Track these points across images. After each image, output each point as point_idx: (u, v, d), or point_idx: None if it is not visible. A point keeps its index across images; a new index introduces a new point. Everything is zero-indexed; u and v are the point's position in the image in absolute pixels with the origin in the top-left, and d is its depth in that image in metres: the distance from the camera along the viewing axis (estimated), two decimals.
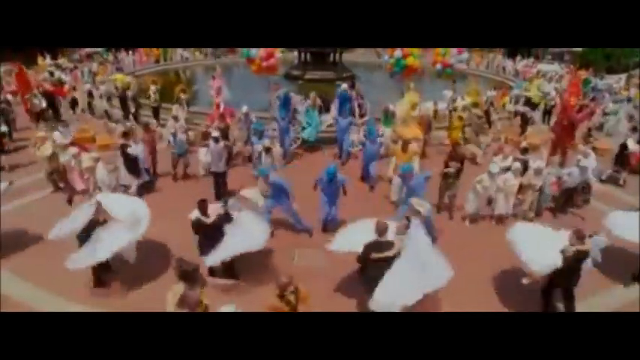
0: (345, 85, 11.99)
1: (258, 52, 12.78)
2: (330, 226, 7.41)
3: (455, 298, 5.58)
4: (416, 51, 13.85)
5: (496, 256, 6.50)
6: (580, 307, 5.48)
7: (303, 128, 11.58)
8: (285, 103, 11.17)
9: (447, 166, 8.17)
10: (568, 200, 8.59)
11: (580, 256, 5.11)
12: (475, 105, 11.93)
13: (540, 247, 5.38)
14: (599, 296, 6.07)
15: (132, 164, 8.75)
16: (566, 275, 5.24)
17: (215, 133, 8.83)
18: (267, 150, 8.55)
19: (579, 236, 5.13)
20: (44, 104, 13.17)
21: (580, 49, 23.84)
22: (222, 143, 8.60)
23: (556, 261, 5.16)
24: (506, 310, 5.79)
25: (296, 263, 6.65)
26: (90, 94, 14.96)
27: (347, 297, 5.90)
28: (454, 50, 14.47)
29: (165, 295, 4.22)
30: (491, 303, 5.92)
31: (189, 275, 4.24)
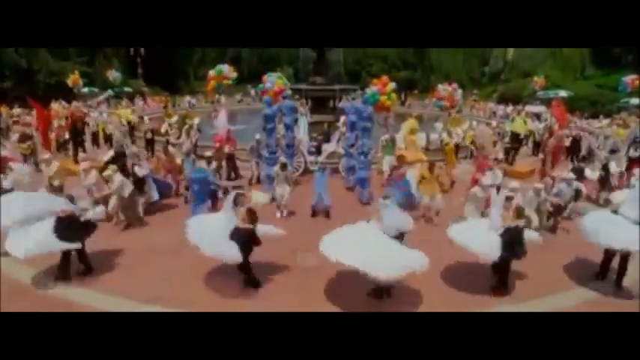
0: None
1: (272, 87, 14.61)
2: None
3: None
4: (393, 94, 15.74)
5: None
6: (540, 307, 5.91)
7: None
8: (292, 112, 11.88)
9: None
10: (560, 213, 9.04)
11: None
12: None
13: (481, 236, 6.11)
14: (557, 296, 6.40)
15: (138, 184, 9.26)
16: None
17: (208, 153, 9.81)
18: (283, 166, 9.19)
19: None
20: (67, 135, 13.95)
21: (566, 95, 25.34)
22: (214, 164, 9.43)
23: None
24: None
25: (299, 264, 7.05)
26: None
27: (347, 296, 6.21)
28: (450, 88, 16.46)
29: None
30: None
31: None
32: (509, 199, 6.43)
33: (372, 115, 10.88)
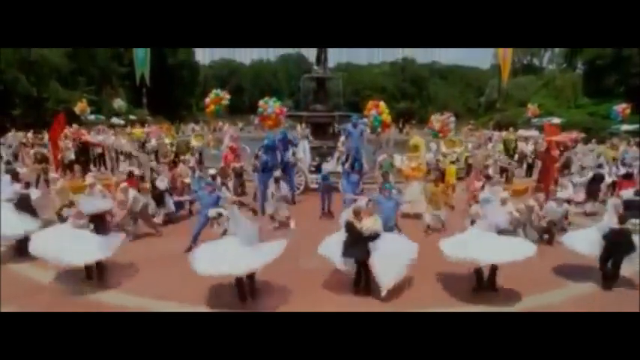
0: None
1: (274, 110, 15.64)
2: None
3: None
4: (386, 110, 17.12)
5: None
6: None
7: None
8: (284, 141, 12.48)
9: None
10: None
11: None
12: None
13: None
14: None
15: (158, 196, 9.85)
16: None
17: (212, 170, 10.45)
18: (277, 180, 9.59)
19: None
20: (73, 156, 14.40)
21: (559, 122, 26.09)
22: (219, 180, 9.89)
23: None
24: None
25: (301, 266, 7.34)
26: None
27: (347, 296, 6.50)
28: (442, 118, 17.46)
29: None
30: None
31: None
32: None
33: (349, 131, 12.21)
